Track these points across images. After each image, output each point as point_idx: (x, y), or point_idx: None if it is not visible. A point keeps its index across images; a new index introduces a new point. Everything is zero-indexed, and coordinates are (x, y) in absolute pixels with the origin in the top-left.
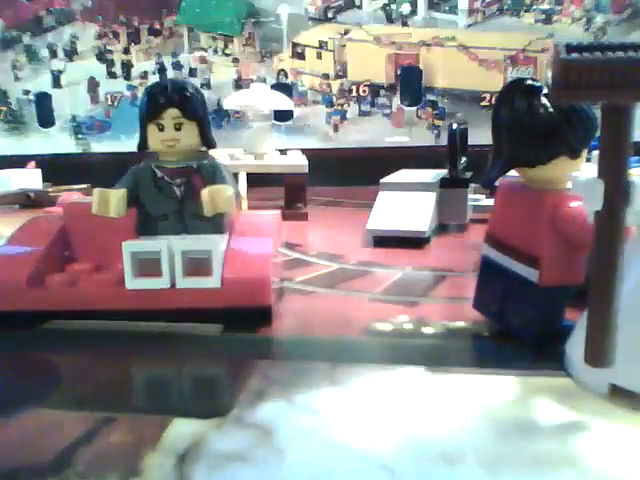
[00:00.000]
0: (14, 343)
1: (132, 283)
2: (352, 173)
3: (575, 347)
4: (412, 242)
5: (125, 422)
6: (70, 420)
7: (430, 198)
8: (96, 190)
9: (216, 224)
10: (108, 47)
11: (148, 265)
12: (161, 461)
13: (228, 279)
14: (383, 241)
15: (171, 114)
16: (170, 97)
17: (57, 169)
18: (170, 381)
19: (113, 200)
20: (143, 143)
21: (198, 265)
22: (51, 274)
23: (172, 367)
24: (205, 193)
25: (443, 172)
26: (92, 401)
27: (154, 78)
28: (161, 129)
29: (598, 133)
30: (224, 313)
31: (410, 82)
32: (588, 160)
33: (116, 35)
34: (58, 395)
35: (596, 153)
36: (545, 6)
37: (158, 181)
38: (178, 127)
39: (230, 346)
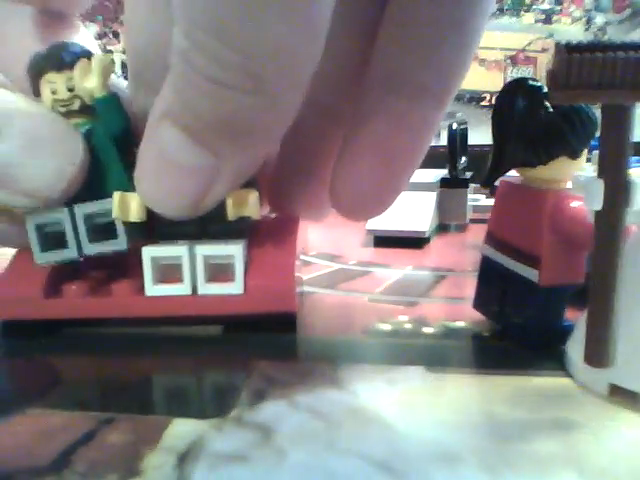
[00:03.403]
0: (14, 346)
1: (152, 290)
2: None
3: (575, 347)
4: (412, 242)
5: (125, 422)
6: (70, 420)
7: (430, 198)
8: (116, 193)
9: (238, 228)
10: (108, 47)
11: (167, 271)
12: (161, 461)
13: (251, 285)
14: (383, 241)
15: None
16: None
17: None
18: (170, 381)
19: (134, 204)
20: None
21: (220, 271)
22: (68, 282)
23: (172, 367)
24: (229, 196)
25: (443, 172)
26: (92, 401)
27: None
28: None
29: (598, 133)
30: (248, 320)
31: None
32: (588, 160)
33: (116, 35)
34: (58, 396)
35: (596, 153)
36: (545, 6)
37: None
38: None
39: (230, 346)
